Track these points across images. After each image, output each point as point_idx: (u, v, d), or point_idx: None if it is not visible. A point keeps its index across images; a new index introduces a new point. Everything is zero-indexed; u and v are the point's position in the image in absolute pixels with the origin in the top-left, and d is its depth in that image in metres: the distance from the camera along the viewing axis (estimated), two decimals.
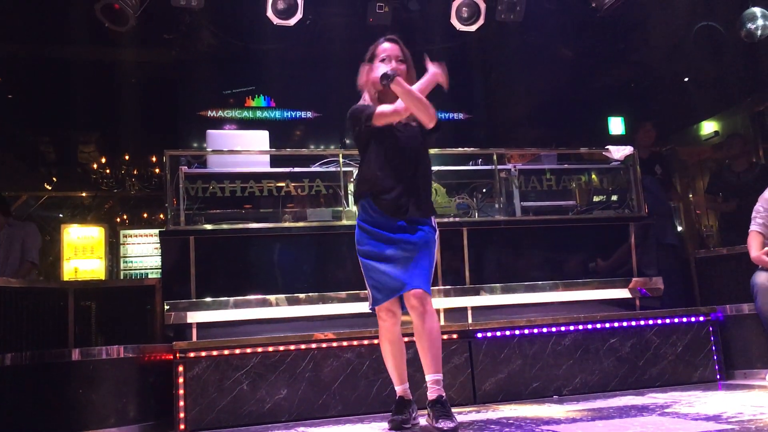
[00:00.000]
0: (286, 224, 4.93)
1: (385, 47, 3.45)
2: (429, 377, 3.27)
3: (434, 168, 4.37)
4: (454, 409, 3.38)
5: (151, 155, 10.02)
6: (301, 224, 4.93)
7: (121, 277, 9.62)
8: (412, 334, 3.83)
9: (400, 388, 3.48)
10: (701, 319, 4.87)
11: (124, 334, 4.69)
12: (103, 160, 10.14)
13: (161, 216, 9.11)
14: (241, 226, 4.85)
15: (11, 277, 5.21)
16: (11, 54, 8.04)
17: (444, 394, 3.26)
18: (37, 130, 9.52)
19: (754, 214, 4.73)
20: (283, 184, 5.02)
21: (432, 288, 3.38)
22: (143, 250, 10.02)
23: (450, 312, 4.94)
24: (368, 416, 4.13)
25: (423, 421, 3.46)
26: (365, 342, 4.29)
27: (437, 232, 3.45)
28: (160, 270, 5.04)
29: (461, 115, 9.32)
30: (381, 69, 3.35)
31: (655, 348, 4.73)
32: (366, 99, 3.49)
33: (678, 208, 8.95)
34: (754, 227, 4.70)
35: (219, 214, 4.98)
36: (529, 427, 3.33)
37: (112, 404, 4.05)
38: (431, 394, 3.24)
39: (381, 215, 3.37)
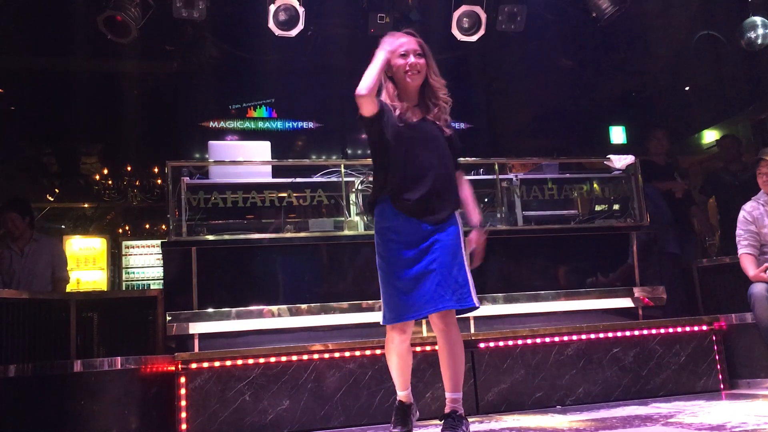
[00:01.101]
0: (288, 235, 4.93)
1: (402, 42, 3.27)
2: (447, 395, 3.21)
3: None
4: None
5: (153, 166, 10.03)
6: (303, 235, 4.94)
7: (123, 288, 9.62)
8: (418, 344, 3.82)
9: (403, 393, 3.42)
10: (704, 328, 4.85)
11: (125, 346, 4.69)
12: (105, 171, 10.15)
13: (163, 227, 9.13)
14: (243, 236, 4.85)
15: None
16: (14, 66, 8.06)
17: (459, 410, 3.17)
18: (40, 142, 9.53)
19: (738, 239, 4.83)
20: (284, 195, 5.02)
21: (470, 289, 3.24)
22: (145, 261, 10.02)
23: None
24: (370, 427, 4.12)
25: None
26: (367, 352, 4.28)
27: (461, 228, 3.27)
28: (162, 281, 5.04)
29: (462, 125, 9.32)
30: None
31: (659, 357, 4.71)
32: (384, 97, 3.31)
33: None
34: (743, 250, 4.77)
35: (221, 225, 4.98)
36: None
37: (113, 415, 4.05)
38: (446, 409, 3.19)
39: (403, 219, 3.18)
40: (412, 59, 3.25)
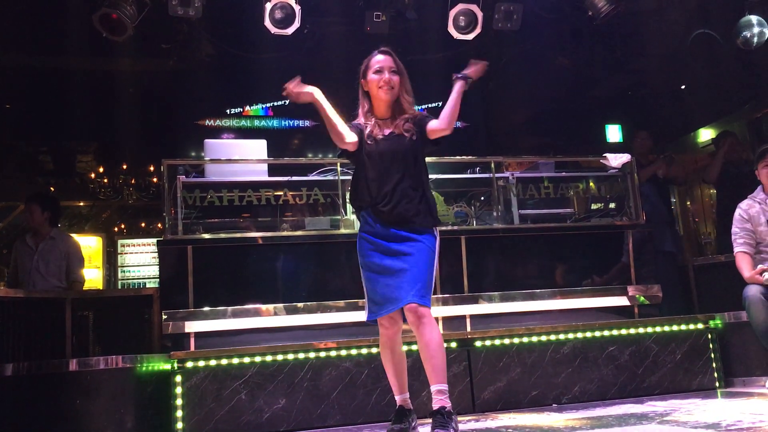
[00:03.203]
0: (285, 233, 4.93)
1: (379, 59, 3.47)
2: (432, 388, 3.24)
3: (432, 176, 4.39)
4: None
5: (149, 165, 10.01)
6: (299, 233, 4.93)
7: (119, 287, 9.60)
8: (413, 343, 3.83)
9: (400, 397, 3.46)
10: (700, 326, 4.86)
11: (121, 344, 4.69)
12: (101, 170, 10.13)
13: (159, 225, 9.11)
14: (239, 235, 4.85)
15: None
16: (8, 63, 8.04)
17: (447, 405, 3.20)
18: (35, 140, 9.51)
19: (734, 237, 4.80)
20: (281, 193, 5.02)
21: (431, 296, 3.35)
22: (141, 260, 10.00)
23: (449, 320, 4.94)
24: (367, 425, 4.12)
25: (422, 431, 3.45)
26: (364, 351, 4.28)
27: (438, 240, 3.45)
28: (158, 279, 5.04)
29: (459, 124, 9.28)
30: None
31: (654, 356, 4.72)
32: (359, 114, 3.53)
33: (676, 215, 8.93)
34: (739, 248, 4.74)
35: (217, 224, 4.97)
36: None
37: (109, 415, 4.04)
38: (434, 405, 3.21)
39: (381, 225, 3.37)
40: (386, 75, 3.44)
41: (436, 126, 3.42)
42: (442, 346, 3.29)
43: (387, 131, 3.46)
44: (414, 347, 4.24)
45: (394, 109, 3.50)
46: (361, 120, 3.51)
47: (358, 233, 3.48)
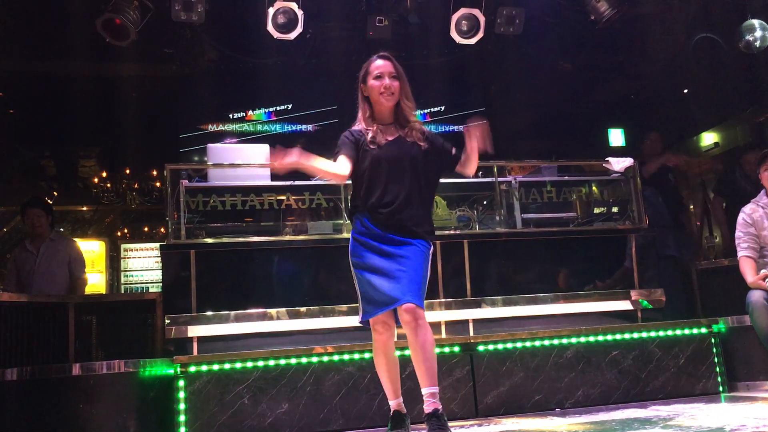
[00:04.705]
0: (287, 237, 4.94)
1: (378, 65, 3.45)
2: (424, 390, 3.23)
3: None
4: (455, 423, 3.36)
5: (151, 169, 10.03)
6: (301, 237, 4.94)
7: (122, 291, 9.60)
8: (405, 348, 3.83)
9: (395, 402, 3.46)
10: (703, 330, 4.85)
11: (124, 349, 4.69)
12: (104, 174, 10.15)
13: (162, 230, 9.13)
14: (241, 239, 4.85)
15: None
16: (12, 69, 8.06)
17: (440, 407, 3.21)
18: (38, 145, 9.53)
19: (737, 241, 4.82)
20: (283, 198, 5.03)
21: (433, 300, 3.37)
22: (144, 264, 10.01)
23: (451, 325, 4.93)
24: (369, 430, 4.12)
25: None
26: (366, 355, 4.27)
27: (432, 248, 3.43)
28: (161, 284, 5.04)
29: (461, 128, 9.34)
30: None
31: (657, 360, 4.71)
32: (359, 118, 3.50)
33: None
34: (742, 253, 4.75)
35: (220, 228, 4.98)
36: None
37: (112, 419, 4.04)
38: (427, 408, 3.21)
39: (379, 228, 3.36)
40: (386, 81, 3.43)
41: (464, 168, 3.58)
42: (434, 348, 3.29)
43: (391, 137, 3.44)
44: (407, 353, 4.24)
45: (396, 114, 3.49)
46: (361, 125, 3.48)
47: (351, 235, 3.45)
